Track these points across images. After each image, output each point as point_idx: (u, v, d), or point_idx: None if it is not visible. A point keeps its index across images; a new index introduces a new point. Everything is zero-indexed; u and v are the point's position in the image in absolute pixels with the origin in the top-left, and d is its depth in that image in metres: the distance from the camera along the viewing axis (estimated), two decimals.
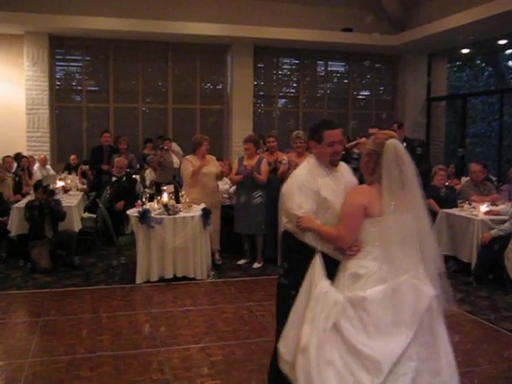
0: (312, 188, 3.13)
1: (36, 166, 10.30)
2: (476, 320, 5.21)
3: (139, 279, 6.27)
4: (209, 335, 4.75)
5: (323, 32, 11.92)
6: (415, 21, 12.10)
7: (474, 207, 6.93)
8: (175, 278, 6.33)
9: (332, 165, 3.25)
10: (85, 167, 10.34)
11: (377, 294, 2.73)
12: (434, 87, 13.78)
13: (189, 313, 5.36)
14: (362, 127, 12.60)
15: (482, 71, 17.32)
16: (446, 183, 8.15)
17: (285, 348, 3.00)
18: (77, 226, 7.57)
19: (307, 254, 3.04)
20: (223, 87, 12.95)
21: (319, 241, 3.05)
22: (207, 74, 12.86)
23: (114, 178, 8.50)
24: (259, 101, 13.18)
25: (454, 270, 6.81)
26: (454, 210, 7.11)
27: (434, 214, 7.24)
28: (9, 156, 9.33)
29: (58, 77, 12.10)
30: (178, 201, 6.83)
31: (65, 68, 12.27)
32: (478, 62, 17.04)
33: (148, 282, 6.26)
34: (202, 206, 6.67)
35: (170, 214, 6.35)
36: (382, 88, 14.15)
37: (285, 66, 13.50)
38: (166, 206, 6.45)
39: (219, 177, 7.34)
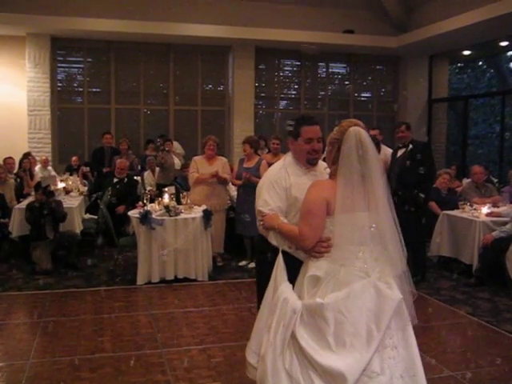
0: (283, 186, 2.97)
1: (37, 167, 10.30)
2: (477, 322, 5.21)
3: (140, 280, 6.27)
4: (210, 336, 4.75)
5: (325, 34, 11.92)
6: (417, 22, 12.10)
7: (475, 209, 6.94)
8: (176, 280, 6.33)
9: (309, 163, 3.07)
10: (85, 169, 10.35)
11: (336, 300, 2.50)
12: (435, 89, 13.77)
13: (190, 314, 5.36)
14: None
15: (484, 73, 17.30)
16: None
17: (252, 354, 2.85)
18: (78, 227, 7.58)
19: (275, 256, 2.87)
20: (225, 89, 12.96)
21: (281, 240, 2.87)
22: (209, 76, 12.87)
23: (115, 180, 8.51)
24: (260, 102, 13.18)
25: (458, 272, 6.83)
26: (455, 212, 7.11)
27: (435, 216, 7.25)
28: (10, 157, 9.33)
29: (59, 78, 12.10)
30: (179, 202, 6.83)
31: (66, 69, 12.28)
32: (480, 63, 17.03)
33: (149, 283, 6.26)
34: (203, 207, 6.67)
35: (171, 216, 6.35)
36: (383, 90, 14.15)
37: (286, 68, 13.50)
38: (167, 207, 6.45)
39: (222, 182, 7.13)
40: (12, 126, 11.33)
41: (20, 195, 8.47)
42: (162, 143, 10.63)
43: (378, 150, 7.12)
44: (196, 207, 6.71)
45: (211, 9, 11.54)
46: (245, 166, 7.09)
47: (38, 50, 11.27)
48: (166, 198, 6.66)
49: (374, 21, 12.49)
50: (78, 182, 9.42)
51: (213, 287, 6.33)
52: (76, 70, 12.32)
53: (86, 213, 8.55)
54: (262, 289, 2.94)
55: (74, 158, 11.23)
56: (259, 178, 6.91)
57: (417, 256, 6.52)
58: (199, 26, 11.30)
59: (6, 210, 7.61)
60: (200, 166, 7.08)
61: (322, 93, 13.63)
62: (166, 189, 7.07)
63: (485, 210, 6.83)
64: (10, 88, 11.49)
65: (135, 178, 9.32)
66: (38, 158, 10.54)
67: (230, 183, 7.42)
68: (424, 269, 6.59)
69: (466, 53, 13.98)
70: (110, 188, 8.27)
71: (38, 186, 7.38)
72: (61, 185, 8.82)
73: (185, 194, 6.98)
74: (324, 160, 3.05)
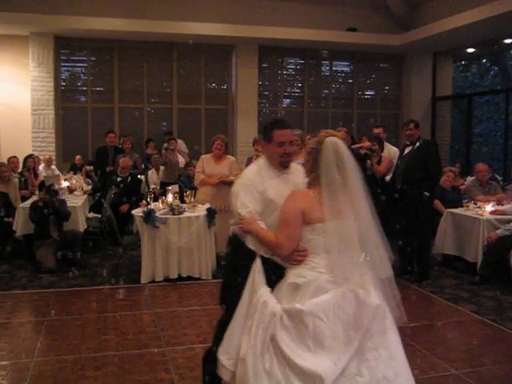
0: (258, 188, 3.01)
1: (41, 166, 10.32)
2: (481, 320, 5.19)
3: (144, 279, 6.27)
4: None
5: (328, 32, 11.91)
6: (420, 20, 12.07)
7: (479, 207, 6.92)
8: (180, 278, 6.33)
9: (282, 166, 3.11)
10: (89, 168, 10.36)
11: (315, 306, 2.57)
12: (439, 87, 13.74)
13: (194, 312, 5.36)
14: (366, 127, 12.59)
15: (488, 70, 17.25)
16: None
17: (225, 355, 2.84)
18: (82, 226, 7.59)
19: (250, 257, 2.90)
20: (228, 87, 12.96)
21: (259, 245, 2.89)
22: (212, 74, 12.87)
23: (118, 179, 8.52)
24: (264, 101, 13.16)
25: (462, 271, 6.82)
26: (459, 210, 7.09)
27: (439, 214, 7.23)
28: (14, 156, 9.34)
29: (63, 77, 12.14)
30: (182, 201, 6.84)
31: (70, 68, 12.31)
32: (484, 61, 16.98)
33: (153, 281, 6.27)
34: (207, 205, 6.67)
35: (174, 214, 6.36)
36: (387, 88, 14.13)
37: (290, 66, 13.49)
38: (170, 205, 6.45)
39: (227, 183, 6.87)
40: (16, 126, 11.37)
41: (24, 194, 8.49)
42: (167, 138, 10.66)
43: (382, 148, 7.13)
44: (200, 206, 6.70)
45: (214, 7, 11.53)
46: None
47: (41, 49, 11.29)
48: (170, 197, 6.66)
49: (377, 19, 12.46)
50: (82, 181, 9.44)
51: (216, 286, 6.26)
52: (79, 69, 12.34)
53: (89, 212, 8.56)
54: (229, 286, 3.05)
55: (77, 157, 11.25)
56: None
57: (421, 254, 6.52)
58: (202, 25, 11.30)
59: (11, 209, 7.62)
60: (207, 166, 7.07)
61: (326, 91, 13.62)
62: (170, 187, 7.07)
63: (489, 207, 6.81)
64: (13, 87, 11.52)
65: (138, 176, 9.33)
66: (41, 158, 10.56)
67: None
68: (428, 267, 6.58)
69: (470, 50, 13.95)
70: (113, 187, 8.28)
71: (41, 185, 7.40)
72: (65, 184, 8.84)
73: (188, 192, 6.98)
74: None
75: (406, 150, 6.55)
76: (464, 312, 5.42)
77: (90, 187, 9.43)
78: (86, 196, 8.66)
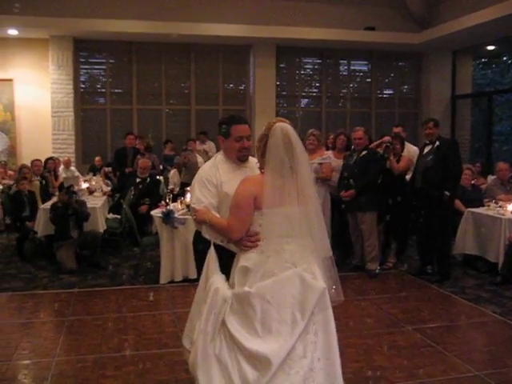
0: (213, 183, 3.16)
1: (61, 168, 10.43)
2: (503, 321, 5.12)
3: (163, 279, 6.30)
4: None
5: (346, 31, 11.88)
6: (439, 18, 11.97)
7: (500, 206, 6.83)
8: (199, 278, 6.33)
9: (240, 160, 3.25)
10: (107, 169, 10.44)
11: (263, 288, 2.65)
12: (458, 85, 13.60)
13: None
14: (385, 126, 12.51)
15: (508, 68, 17.01)
16: (472, 182, 8.04)
17: (187, 339, 3.02)
18: (101, 227, 7.64)
19: (207, 248, 3.02)
20: (246, 88, 12.97)
21: (213, 233, 3.03)
22: (230, 75, 12.90)
23: (137, 179, 8.57)
24: (282, 101, 13.16)
25: (483, 271, 6.74)
26: (480, 210, 7.01)
27: (459, 214, 7.15)
28: (38, 160, 9.38)
29: (82, 79, 12.28)
30: None
31: (89, 71, 12.45)
32: (504, 58, 16.74)
33: (172, 282, 6.29)
34: None
35: None
36: (405, 86, 14.03)
37: (307, 66, 13.48)
38: (189, 206, 6.45)
39: None
40: (37, 128, 11.53)
41: (45, 195, 8.58)
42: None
43: (402, 147, 7.07)
44: None
45: (231, 8, 11.56)
46: None
47: (61, 52, 11.43)
48: (189, 198, 6.67)
49: (395, 17, 12.38)
50: (101, 182, 9.51)
51: None
52: (98, 71, 12.48)
53: (109, 213, 8.62)
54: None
55: (97, 159, 11.35)
56: None
57: (441, 254, 6.45)
58: (220, 26, 11.34)
59: (35, 209, 7.72)
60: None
61: (344, 91, 13.58)
62: (188, 188, 7.08)
63: (510, 207, 6.72)
64: (34, 90, 11.69)
65: (157, 177, 9.37)
66: (61, 159, 10.67)
67: None
68: (449, 267, 6.51)
69: (490, 48, 13.79)
70: (132, 188, 8.33)
71: (61, 186, 7.47)
72: (84, 185, 8.92)
73: None
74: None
75: (426, 150, 6.48)
76: (485, 313, 5.35)
77: (109, 188, 9.50)
78: (105, 197, 8.73)
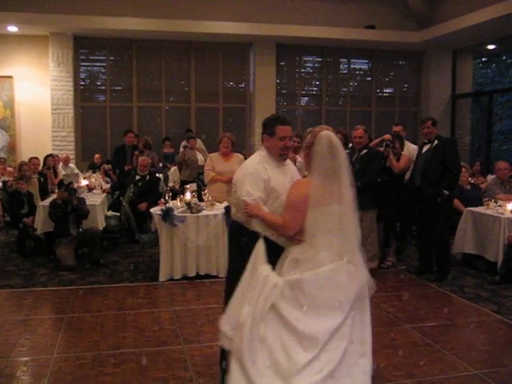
0: (262, 177, 3.31)
1: (61, 165, 10.43)
2: (502, 320, 5.12)
3: (162, 277, 6.31)
4: None
5: (346, 29, 11.88)
6: (440, 17, 11.96)
7: (500, 205, 6.83)
8: (198, 276, 6.35)
9: (281, 158, 3.46)
10: (107, 167, 10.44)
11: (313, 276, 2.90)
12: (459, 84, 13.59)
13: (211, 310, 5.36)
14: (385, 125, 12.50)
15: (509, 67, 17.02)
16: (472, 181, 8.03)
17: (227, 325, 3.11)
18: (101, 224, 7.65)
19: (253, 241, 3.16)
20: (246, 86, 12.97)
21: (264, 227, 3.23)
22: (230, 73, 12.89)
23: (137, 177, 8.56)
24: (282, 99, 13.16)
25: (482, 270, 6.74)
26: (479, 209, 7.00)
27: (458, 213, 7.14)
28: (36, 157, 9.35)
29: (82, 77, 12.26)
30: (200, 199, 6.84)
31: (89, 68, 12.44)
32: (504, 57, 16.75)
33: (171, 279, 6.30)
34: (225, 204, 6.68)
35: (192, 213, 6.38)
36: (406, 85, 14.02)
37: (307, 64, 13.47)
38: (188, 204, 6.47)
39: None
40: (37, 125, 11.53)
41: (44, 193, 8.57)
42: (187, 138, 10.68)
43: (402, 146, 7.07)
44: (218, 204, 6.71)
45: (231, 6, 11.55)
46: None
47: (61, 49, 11.42)
48: (188, 195, 6.69)
49: (395, 16, 12.39)
50: (101, 180, 9.51)
51: None
52: (98, 68, 12.46)
53: (108, 210, 8.62)
54: (235, 271, 3.21)
55: (96, 156, 11.35)
56: None
57: (441, 253, 6.46)
58: (220, 24, 11.33)
59: (33, 208, 7.72)
60: (216, 163, 7.09)
61: (344, 89, 13.58)
62: (188, 186, 7.08)
63: (510, 206, 6.71)
64: (34, 87, 11.67)
65: (157, 175, 9.37)
66: (60, 156, 10.66)
67: None
68: (448, 266, 6.51)
69: (491, 47, 13.78)
70: (132, 185, 8.33)
71: (60, 183, 7.46)
72: (84, 182, 8.92)
73: (206, 190, 7.00)
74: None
75: (424, 149, 6.47)
76: (484, 312, 5.35)
77: (108, 186, 9.50)
78: (104, 194, 8.72)
